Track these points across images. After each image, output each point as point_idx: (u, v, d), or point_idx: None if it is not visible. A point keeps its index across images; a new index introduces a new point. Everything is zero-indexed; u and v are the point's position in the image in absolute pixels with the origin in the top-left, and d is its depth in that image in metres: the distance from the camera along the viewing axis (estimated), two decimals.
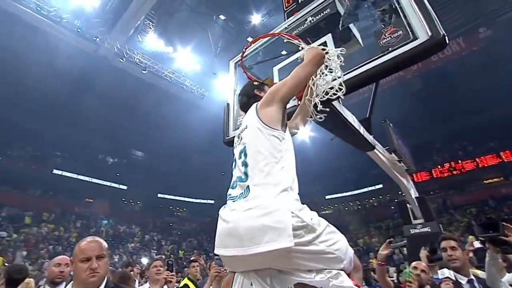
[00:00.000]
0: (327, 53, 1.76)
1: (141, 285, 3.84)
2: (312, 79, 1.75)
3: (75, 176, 20.45)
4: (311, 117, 1.85)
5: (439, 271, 2.56)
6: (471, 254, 4.70)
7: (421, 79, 19.35)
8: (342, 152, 18.23)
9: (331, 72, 1.80)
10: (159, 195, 24.83)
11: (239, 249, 1.24)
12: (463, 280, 2.20)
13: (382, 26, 2.45)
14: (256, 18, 17.05)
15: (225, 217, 1.35)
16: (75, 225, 18.50)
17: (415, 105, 19.39)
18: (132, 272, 4.32)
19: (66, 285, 2.45)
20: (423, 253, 3.04)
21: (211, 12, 17.52)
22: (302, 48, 1.83)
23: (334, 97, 1.78)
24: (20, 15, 14.37)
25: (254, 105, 1.60)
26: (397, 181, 4.96)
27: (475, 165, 17.78)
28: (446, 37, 1.93)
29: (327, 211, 24.63)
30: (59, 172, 19.92)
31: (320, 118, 1.81)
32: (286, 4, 3.65)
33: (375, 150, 3.96)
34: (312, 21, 3.03)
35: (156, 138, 23.58)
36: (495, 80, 16.17)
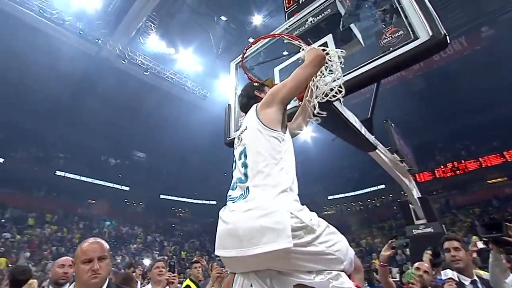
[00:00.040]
0: (327, 54, 1.76)
1: (143, 286, 3.86)
2: (313, 80, 1.74)
3: (77, 177, 20.51)
4: (312, 118, 1.84)
5: (442, 272, 2.55)
6: (474, 255, 4.67)
7: (424, 79, 19.27)
8: (344, 153, 18.20)
9: (331, 74, 1.80)
10: (161, 196, 24.87)
11: (238, 250, 1.24)
12: (466, 281, 2.19)
13: (383, 26, 2.45)
14: (257, 19, 17.06)
15: (225, 218, 1.35)
16: (78, 226, 18.57)
17: (417, 105, 19.31)
18: (134, 273, 4.33)
19: (69, 286, 2.47)
20: (426, 256, 3.02)
21: (212, 13, 17.56)
22: (303, 49, 1.83)
23: (334, 99, 1.78)
24: (23, 18, 14.47)
25: (254, 106, 1.60)
26: (399, 181, 4.95)
27: (478, 165, 17.65)
28: (447, 37, 1.93)
29: (329, 212, 24.57)
30: (62, 174, 20.00)
31: (317, 119, 1.81)
32: (287, 4, 3.66)
33: (376, 150, 3.95)
34: (313, 22, 3.04)
35: (158, 139, 23.63)
36: (498, 79, 16.08)
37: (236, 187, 1.43)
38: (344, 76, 2.29)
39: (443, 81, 18.13)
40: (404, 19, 2.17)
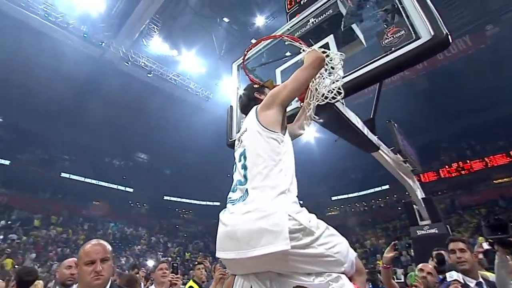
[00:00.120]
0: (327, 56, 1.76)
1: (147, 287, 3.87)
2: (313, 81, 1.74)
3: (82, 179, 20.73)
4: (311, 120, 1.84)
5: (447, 274, 2.52)
6: (480, 256, 4.61)
7: (427, 78, 19.12)
8: (348, 153, 18.08)
9: (331, 75, 1.80)
10: (165, 198, 24.98)
11: (237, 252, 1.24)
12: (472, 283, 2.16)
13: (385, 26, 2.44)
14: (259, 20, 17.08)
15: (225, 220, 1.36)
16: (82, 227, 18.71)
17: (421, 105, 19.16)
18: (137, 275, 4.35)
19: None
20: (431, 264, 2.98)
21: (215, 14, 17.62)
22: (303, 50, 1.83)
23: (333, 100, 1.78)
24: (28, 22, 14.66)
25: (254, 108, 1.61)
26: (402, 182, 4.91)
27: (484, 165, 17.45)
28: (449, 36, 1.92)
29: (333, 213, 24.46)
30: (67, 175, 20.23)
31: (319, 119, 1.81)
32: (289, 6, 3.66)
33: (379, 150, 3.93)
34: (314, 23, 3.03)
35: (161, 141, 23.74)
36: (502, 77, 15.90)
37: (236, 189, 1.44)
38: (346, 76, 2.30)
39: (447, 80, 17.96)
40: (406, 19, 2.16)
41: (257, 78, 2.82)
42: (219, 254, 1.35)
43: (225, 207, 1.45)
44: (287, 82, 1.57)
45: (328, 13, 2.93)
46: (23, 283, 2.53)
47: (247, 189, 1.36)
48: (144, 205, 24.25)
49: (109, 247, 1.59)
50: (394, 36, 2.19)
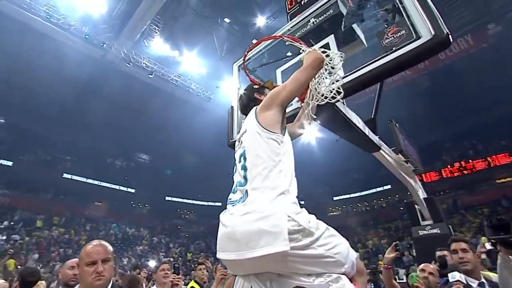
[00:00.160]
0: (327, 56, 1.76)
1: None
2: (313, 81, 1.74)
3: (84, 179, 20.81)
4: (311, 120, 1.84)
5: (449, 274, 2.51)
6: (483, 256, 4.58)
7: (429, 78, 19.05)
8: (349, 153, 18.02)
9: (330, 75, 1.80)
10: (167, 198, 25.02)
11: (236, 253, 1.24)
12: (474, 283, 2.15)
13: (385, 26, 2.44)
14: (260, 20, 17.08)
15: (224, 221, 1.36)
16: (84, 228, 18.77)
17: (423, 104, 19.10)
18: (139, 275, 4.35)
19: None
20: (434, 267, 2.97)
21: (216, 15, 17.64)
22: (303, 50, 1.83)
23: (333, 100, 1.77)
24: (30, 24, 14.74)
25: (253, 109, 1.61)
26: (404, 182, 4.90)
27: (487, 164, 17.36)
28: (450, 36, 1.91)
29: (335, 213, 24.42)
30: (69, 176, 20.31)
31: (320, 119, 1.81)
32: (289, 6, 3.66)
33: (380, 151, 3.92)
34: (315, 23, 3.03)
35: (163, 141, 23.81)
36: (504, 76, 15.83)
37: (236, 190, 1.44)
38: (347, 76, 2.30)
39: (449, 80, 17.90)
40: (406, 19, 2.15)
41: (257, 78, 2.82)
42: (219, 255, 1.36)
43: (225, 208, 1.45)
44: (287, 82, 1.57)
45: (329, 13, 2.93)
46: (26, 284, 2.54)
47: (247, 190, 1.36)
48: (146, 205, 24.31)
49: (110, 247, 1.60)
50: (395, 36, 2.19)
